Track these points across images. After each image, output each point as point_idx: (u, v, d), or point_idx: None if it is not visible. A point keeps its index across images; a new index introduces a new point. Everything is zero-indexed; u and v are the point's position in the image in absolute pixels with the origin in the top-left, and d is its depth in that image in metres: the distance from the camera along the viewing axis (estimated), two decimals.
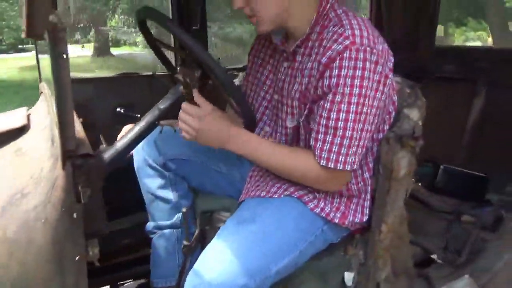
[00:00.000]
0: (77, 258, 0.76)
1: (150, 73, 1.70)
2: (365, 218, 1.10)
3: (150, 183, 1.24)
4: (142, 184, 1.26)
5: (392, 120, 1.10)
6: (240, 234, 0.98)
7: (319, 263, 1.12)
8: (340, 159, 0.96)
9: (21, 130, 1.03)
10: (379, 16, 2.25)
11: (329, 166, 0.97)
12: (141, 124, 1.06)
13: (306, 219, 1.03)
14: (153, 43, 1.16)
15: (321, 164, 0.97)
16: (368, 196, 1.11)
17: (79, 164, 0.74)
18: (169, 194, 1.23)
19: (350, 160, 0.97)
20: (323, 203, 1.05)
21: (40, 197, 0.76)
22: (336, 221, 1.05)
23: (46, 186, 0.76)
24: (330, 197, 1.07)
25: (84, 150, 0.76)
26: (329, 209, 1.05)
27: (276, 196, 1.04)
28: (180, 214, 1.22)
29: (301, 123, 1.05)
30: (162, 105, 1.07)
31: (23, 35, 0.62)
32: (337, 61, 0.93)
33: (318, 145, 0.98)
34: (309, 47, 1.02)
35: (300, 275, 1.10)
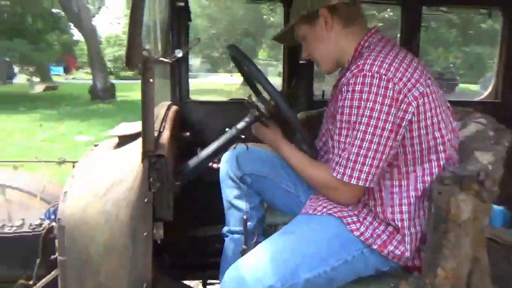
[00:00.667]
0: (144, 234, 0.99)
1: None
2: (407, 254, 1.08)
3: (229, 192, 1.44)
4: (223, 193, 1.47)
5: (445, 152, 1.08)
6: (281, 242, 1.09)
7: None
8: (347, 172, 1.07)
9: (137, 136, 1.34)
10: None
11: (339, 177, 1.08)
12: (221, 140, 1.28)
13: (343, 238, 1.09)
14: (243, 73, 1.39)
15: (334, 175, 1.10)
16: (418, 234, 1.09)
17: (153, 161, 0.98)
18: (242, 204, 1.42)
19: (357, 175, 1.06)
20: (364, 228, 1.09)
21: (128, 184, 1.02)
22: (375, 247, 1.07)
23: (133, 176, 1.02)
24: (375, 224, 1.10)
25: (160, 152, 1.00)
26: (369, 234, 1.08)
27: (319, 214, 1.13)
28: (250, 224, 1.39)
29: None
30: (239, 125, 1.27)
31: (124, 65, 0.88)
32: (346, 86, 1.06)
33: (332, 159, 1.12)
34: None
35: None
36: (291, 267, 1.06)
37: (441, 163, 1.10)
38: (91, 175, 1.15)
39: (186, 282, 1.70)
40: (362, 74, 1.03)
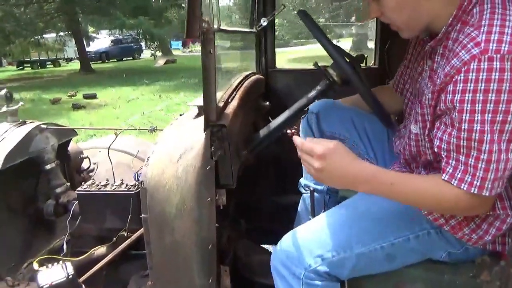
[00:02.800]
0: (208, 199, 1.05)
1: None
2: (487, 238, 0.95)
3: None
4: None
5: None
6: (339, 214, 1.05)
7: (439, 276, 1.04)
8: (475, 183, 0.86)
9: None
10: None
11: (475, 192, 0.87)
12: (291, 109, 1.26)
13: (407, 215, 1.00)
14: (319, 38, 1.32)
15: (466, 190, 0.87)
16: (499, 221, 0.95)
17: (215, 131, 1.01)
18: None
19: (491, 185, 0.85)
20: None
21: (195, 151, 1.08)
22: (447, 228, 0.96)
23: (200, 144, 1.08)
24: None
25: (223, 122, 1.03)
26: (439, 214, 0.97)
27: None
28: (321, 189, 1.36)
29: (422, 133, 1.00)
30: (310, 94, 1.23)
31: (184, 36, 0.92)
32: (462, 74, 0.83)
33: (448, 169, 0.89)
34: (447, 48, 0.94)
35: (413, 283, 1.06)
36: (344, 240, 1.02)
37: None
38: (171, 142, 1.25)
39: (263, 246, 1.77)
40: (487, 56, 0.80)
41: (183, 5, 19.91)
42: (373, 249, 1.02)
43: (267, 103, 1.65)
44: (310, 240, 1.04)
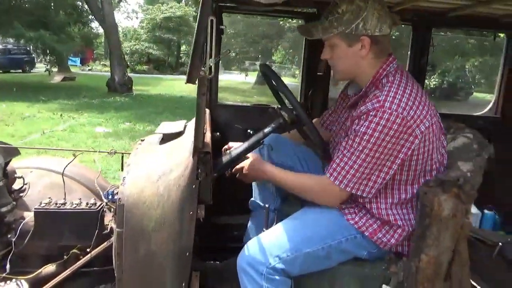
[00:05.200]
0: (190, 212, 1.25)
1: (274, 106, 2.20)
2: (392, 240, 1.34)
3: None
4: None
5: (437, 169, 1.33)
6: (289, 225, 1.37)
7: (361, 270, 1.40)
8: (338, 177, 1.31)
9: (179, 134, 1.61)
10: None
11: (330, 178, 1.32)
12: (250, 141, 1.53)
13: (339, 224, 1.37)
14: (271, 87, 1.64)
15: (328, 177, 1.32)
16: (400, 229, 1.36)
17: (202, 156, 1.24)
18: (269, 187, 1.70)
19: (348, 183, 1.30)
20: (358, 218, 1.36)
21: (178, 173, 1.28)
22: (367, 234, 1.33)
23: (182, 167, 1.28)
24: (368, 216, 1.36)
25: (207, 149, 1.26)
26: (362, 223, 1.35)
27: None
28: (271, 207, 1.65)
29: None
30: (266, 130, 1.53)
31: (185, 82, 1.14)
32: (364, 116, 1.27)
33: (331, 165, 1.33)
34: (364, 102, 1.36)
35: (343, 278, 1.39)
36: (294, 243, 1.33)
37: (433, 174, 1.35)
38: (144, 164, 1.42)
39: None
40: (382, 110, 1.24)
41: (87, 22, 19.09)
42: (316, 249, 1.34)
43: (218, 134, 1.90)
44: (270, 244, 1.32)
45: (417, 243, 1.33)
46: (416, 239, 1.33)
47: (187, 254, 1.28)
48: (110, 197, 1.41)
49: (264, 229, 1.51)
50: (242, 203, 1.87)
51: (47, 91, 13.38)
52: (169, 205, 1.27)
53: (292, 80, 17.57)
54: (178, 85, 17.55)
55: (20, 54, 22.27)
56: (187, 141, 1.45)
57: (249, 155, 1.53)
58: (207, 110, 1.98)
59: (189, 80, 1.12)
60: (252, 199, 1.76)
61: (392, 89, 1.29)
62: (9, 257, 1.64)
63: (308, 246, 1.34)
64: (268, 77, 1.58)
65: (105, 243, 1.58)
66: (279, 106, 1.62)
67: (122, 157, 1.72)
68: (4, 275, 1.56)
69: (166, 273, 1.32)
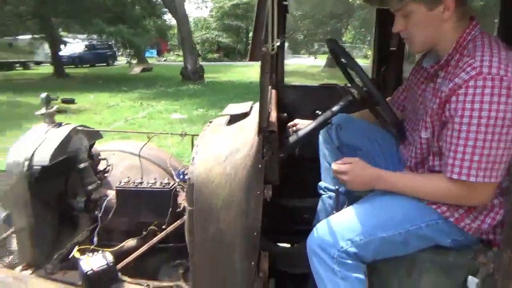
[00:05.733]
0: (257, 192, 1.25)
1: (342, 84, 2.11)
2: (483, 226, 1.20)
3: (327, 154, 1.66)
4: (321, 152, 1.70)
5: None
6: (363, 207, 1.29)
7: (444, 258, 1.29)
8: (472, 172, 1.13)
9: (245, 115, 1.62)
10: None
11: (463, 179, 1.14)
12: (318, 120, 1.49)
13: (419, 208, 1.25)
14: (340, 64, 1.57)
15: (456, 178, 1.15)
16: (494, 213, 1.21)
17: (267, 135, 1.22)
18: None
19: (484, 174, 1.12)
20: (441, 202, 1.23)
21: (244, 152, 1.29)
22: (452, 220, 1.21)
23: (249, 147, 1.29)
24: None
25: (272, 128, 1.24)
26: (446, 208, 1.22)
27: None
28: (342, 190, 1.59)
29: (432, 137, 1.26)
30: (334, 108, 1.47)
31: (247, 59, 1.13)
32: (463, 89, 1.11)
33: (451, 163, 1.16)
34: (447, 72, 1.22)
35: (422, 265, 1.30)
36: (368, 226, 1.25)
37: None
38: (212, 145, 1.45)
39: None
40: (482, 77, 1.08)
41: (160, 14, 20.04)
42: (392, 234, 1.25)
43: (285, 114, 1.88)
44: (341, 227, 1.26)
45: (509, 232, 1.20)
46: (509, 227, 1.19)
47: (255, 234, 1.29)
48: (181, 176, 1.47)
49: (334, 212, 1.46)
50: (312, 185, 1.84)
51: (127, 82, 14.38)
52: (236, 184, 1.28)
53: (364, 61, 16.82)
54: (247, 72, 17.79)
55: (104, 49, 24.18)
56: (253, 121, 1.44)
57: (349, 160, 1.35)
58: (273, 91, 1.96)
59: (252, 57, 1.10)
60: (321, 182, 1.72)
61: (485, 52, 1.13)
62: (96, 231, 1.80)
63: (383, 230, 1.25)
64: (336, 53, 1.51)
65: (179, 220, 1.65)
66: (348, 83, 1.54)
67: (192, 139, 1.77)
68: (92, 247, 1.71)
69: (235, 251, 1.34)
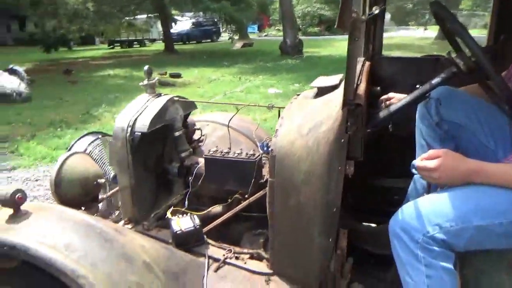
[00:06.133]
0: (339, 168, 1.20)
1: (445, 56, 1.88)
2: None
3: (424, 131, 1.51)
4: (418, 131, 1.55)
5: None
6: (455, 191, 1.14)
7: None
8: None
9: (334, 87, 1.54)
10: None
11: None
12: (414, 94, 1.35)
13: None
14: (445, 29, 1.39)
15: None
16: None
17: (352, 108, 1.15)
18: (436, 146, 1.46)
19: None
20: None
21: (328, 126, 1.23)
22: None
23: (333, 120, 1.23)
24: None
25: (358, 101, 1.16)
26: None
27: None
28: None
29: None
30: (434, 81, 1.31)
31: (335, 25, 1.06)
32: None
33: None
34: None
35: None
36: (463, 211, 1.11)
37: None
38: (297, 117, 1.42)
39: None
40: None
41: None
42: (492, 224, 1.09)
43: (378, 88, 1.75)
44: (429, 210, 1.14)
45: None
46: None
47: (334, 209, 1.24)
48: (265, 148, 1.47)
49: (425, 194, 1.33)
50: (404, 164, 1.70)
51: (229, 57, 14.92)
52: (317, 158, 1.24)
53: (484, 32, 14.88)
54: None
55: (209, 26, 25.37)
56: (340, 94, 1.37)
57: (436, 153, 1.16)
58: (367, 63, 1.83)
59: (340, 24, 1.02)
60: (414, 161, 1.56)
61: None
62: (187, 196, 1.93)
63: (482, 218, 1.09)
64: (442, 19, 1.33)
65: (261, 191, 1.68)
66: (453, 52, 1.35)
67: (279, 111, 1.76)
68: (183, 210, 1.84)
69: (314, 225, 1.32)
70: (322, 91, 1.55)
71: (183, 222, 1.67)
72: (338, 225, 1.30)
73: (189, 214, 1.73)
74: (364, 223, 2.07)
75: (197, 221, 1.68)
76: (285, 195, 1.35)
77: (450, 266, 1.12)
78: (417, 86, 2.10)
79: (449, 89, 1.42)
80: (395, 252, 1.19)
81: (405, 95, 1.46)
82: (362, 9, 2.01)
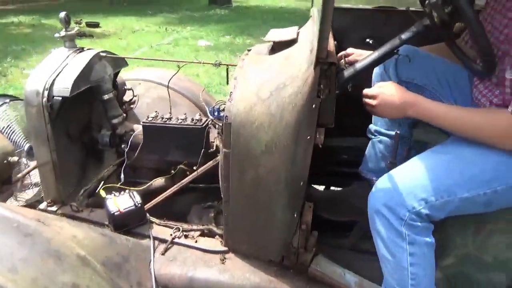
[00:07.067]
0: (308, 137, 1.05)
1: (403, 8, 1.77)
2: None
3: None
4: None
5: None
6: (437, 160, 1.07)
7: None
8: None
9: (291, 42, 1.36)
10: None
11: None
12: (381, 50, 1.22)
13: (508, 164, 1.01)
14: None
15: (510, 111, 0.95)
16: None
17: (325, 68, 0.99)
18: None
19: None
20: None
21: (294, 89, 1.06)
22: None
23: (300, 82, 1.06)
24: None
25: (331, 59, 1.00)
26: None
27: None
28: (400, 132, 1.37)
29: None
30: (404, 35, 1.19)
31: None
32: None
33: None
34: None
35: (496, 222, 1.11)
36: (448, 184, 1.05)
37: None
38: (253, 78, 1.22)
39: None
40: None
41: None
42: (477, 194, 1.04)
43: (335, 42, 1.59)
44: (412, 183, 1.06)
45: None
46: None
47: (301, 183, 1.11)
48: (216, 113, 1.28)
49: (390, 161, 1.25)
50: (355, 123, 1.61)
51: (152, 4, 13.76)
52: (282, 127, 1.08)
53: None
54: None
55: None
56: (303, 50, 1.20)
57: (382, 83, 1.18)
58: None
59: None
60: (371, 125, 1.48)
61: None
62: (123, 168, 1.68)
63: (466, 189, 1.04)
64: None
65: (211, 161, 1.50)
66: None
67: (227, 69, 1.55)
68: (118, 185, 1.60)
69: (276, 201, 1.19)
70: (278, 46, 1.36)
71: (121, 201, 1.44)
72: (304, 198, 1.19)
73: (127, 190, 1.50)
74: (313, 186, 2.01)
75: (138, 198, 1.46)
76: (243, 167, 1.18)
77: (431, 239, 1.07)
78: (368, 40, 2.00)
79: (410, 47, 1.32)
80: (375, 228, 1.10)
81: (368, 51, 1.33)
82: None
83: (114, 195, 1.47)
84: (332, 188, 2.08)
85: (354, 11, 1.98)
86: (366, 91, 1.18)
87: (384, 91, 1.13)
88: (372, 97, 1.16)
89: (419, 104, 1.10)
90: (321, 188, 2.08)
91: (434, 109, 1.09)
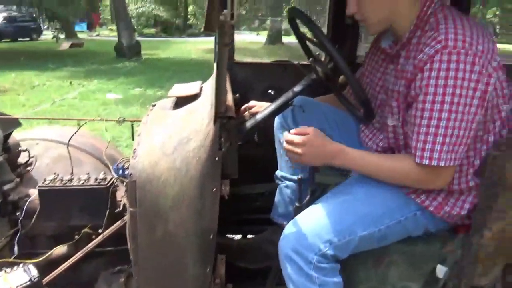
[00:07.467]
0: (213, 189, 1.06)
1: (295, 62, 1.94)
2: (463, 212, 1.13)
3: (283, 141, 1.50)
4: (277, 139, 1.54)
5: (505, 122, 1.10)
6: (338, 202, 1.15)
7: (413, 248, 1.21)
8: (434, 156, 1.04)
9: (195, 97, 1.40)
10: None
11: (426, 163, 1.05)
12: (278, 102, 1.31)
13: (398, 199, 1.14)
14: (299, 36, 1.40)
15: (418, 162, 1.06)
16: (471, 196, 1.13)
17: (224, 122, 1.03)
18: None
19: (446, 157, 1.04)
20: (420, 190, 1.13)
21: (197, 143, 1.08)
22: (431, 209, 1.12)
23: (202, 135, 1.08)
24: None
25: (230, 113, 1.05)
26: (425, 196, 1.13)
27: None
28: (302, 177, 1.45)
29: (399, 124, 1.15)
30: (296, 88, 1.30)
31: (202, 29, 0.92)
32: (428, 64, 1.02)
33: (414, 145, 1.07)
34: (410, 51, 1.11)
35: (392, 255, 1.21)
36: (347, 224, 1.12)
37: (496, 129, 1.12)
38: (157, 134, 1.22)
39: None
40: (447, 51, 1.00)
41: None
42: (373, 231, 1.13)
43: (237, 95, 1.68)
44: (317, 226, 1.11)
45: (479, 217, 1.13)
46: (480, 212, 1.12)
47: (211, 236, 1.11)
48: (120, 171, 1.24)
49: (296, 204, 1.32)
50: (264, 170, 1.68)
51: (55, 58, 13.16)
52: (187, 181, 1.08)
53: None
54: (186, 48, 17.12)
55: (27, 22, 21.84)
56: (205, 105, 1.24)
57: (305, 129, 1.18)
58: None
59: (208, 27, 0.88)
60: (278, 171, 1.56)
61: (449, 25, 1.03)
62: (17, 238, 1.51)
63: (363, 228, 1.13)
64: (296, 25, 1.33)
65: (119, 221, 1.42)
66: (312, 58, 1.36)
67: (132, 126, 1.52)
68: (12, 259, 1.43)
69: (187, 255, 1.16)
70: (181, 101, 1.39)
71: (13, 277, 1.28)
72: (216, 251, 1.17)
73: (21, 264, 1.34)
74: (228, 235, 2.00)
75: (34, 271, 1.31)
76: (151, 225, 1.15)
77: (339, 279, 1.12)
78: (270, 91, 2.14)
79: (303, 98, 1.45)
80: (287, 274, 1.13)
81: (268, 103, 1.42)
82: (230, 11, 1.93)
83: (5, 271, 1.30)
84: (248, 236, 2.09)
85: (255, 65, 2.12)
86: (291, 138, 1.17)
87: (311, 139, 1.15)
88: (298, 144, 1.16)
89: (345, 153, 1.16)
90: (238, 237, 2.08)
91: (357, 156, 1.16)
